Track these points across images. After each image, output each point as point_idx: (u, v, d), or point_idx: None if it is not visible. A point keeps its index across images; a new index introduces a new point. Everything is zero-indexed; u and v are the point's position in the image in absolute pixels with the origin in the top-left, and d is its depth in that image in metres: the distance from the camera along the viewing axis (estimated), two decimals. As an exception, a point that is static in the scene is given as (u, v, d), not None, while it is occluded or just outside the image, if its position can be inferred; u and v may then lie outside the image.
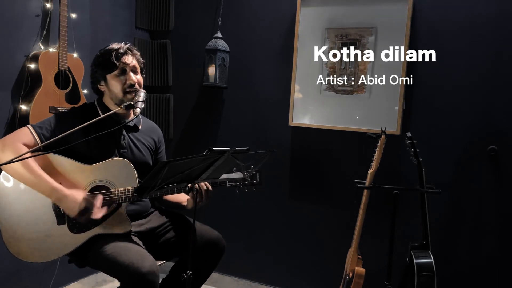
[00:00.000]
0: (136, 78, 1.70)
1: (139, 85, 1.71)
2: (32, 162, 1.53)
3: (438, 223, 2.14)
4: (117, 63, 1.67)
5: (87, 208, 1.54)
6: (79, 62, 2.21)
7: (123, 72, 1.68)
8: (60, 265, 2.31)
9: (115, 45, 1.70)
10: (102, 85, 1.72)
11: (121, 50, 1.68)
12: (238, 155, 1.44)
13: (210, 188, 1.70)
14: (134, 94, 1.67)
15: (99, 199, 1.57)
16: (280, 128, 2.52)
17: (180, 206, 1.85)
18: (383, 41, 2.23)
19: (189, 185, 1.65)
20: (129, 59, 1.70)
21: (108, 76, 1.69)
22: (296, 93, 2.45)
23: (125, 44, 1.73)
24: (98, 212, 1.56)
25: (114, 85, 1.68)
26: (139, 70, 1.74)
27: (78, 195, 1.54)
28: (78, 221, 1.57)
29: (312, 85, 2.40)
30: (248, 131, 2.64)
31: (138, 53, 1.77)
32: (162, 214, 1.88)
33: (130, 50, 1.72)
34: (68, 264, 1.74)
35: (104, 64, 1.68)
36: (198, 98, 2.80)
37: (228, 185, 1.77)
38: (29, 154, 1.41)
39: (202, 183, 1.68)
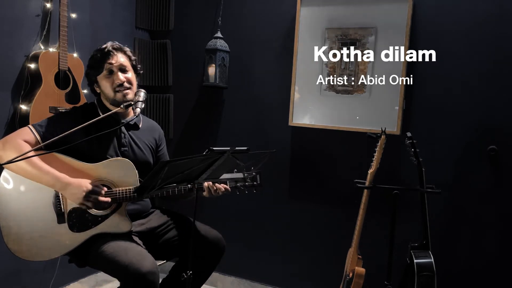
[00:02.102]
0: (125, 76, 1.70)
1: (129, 83, 1.71)
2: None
3: (438, 223, 2.14)
4: (103, 65, 1.67)
5: (93, 191, 1.55)
6: (79, 62, 2.21)
7: (110, 72, 1.69)
8: (60, 265, 2.30)
9: (102, 46, 1.71)
10: (97, 87, 1.74)
11: (105, 50, 1.69)
12: (238, 155, 1.44)
13: (226, 188, 1.73)
14: (125, 92, 1.68)
15: (103, 189, 1.59)
16: (280, 128, 2.52)
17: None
18: (383, 41, 2.23)
19: (205, 184, 1.69)
20: (114, 59, 1.69)
21: (98, 78, 1.71)
22: (296, 93, 2.45)
23: (112, 43, 1.72)
24: (104, 199, 1.57)
25: (104, 85, 1.70)
26: (129, 68, 1.73)
27: (83, 181, 1.56)
28: (86, 206, 1.56)
29: (312, 85, 2.40)
30: (248, 131, 2.64)
31: (128, 50, 1.76)
32: (162, 214, 1.88)
33: (116, 49, 1.71)
34: (68, 264, 1.74)
35: (92, 66, 1.70)
36: (198, 98, 2.80)
37: (229, 186, 1.77)
38: (31, 154, 1.41)
39: (219, 186, 1.71)
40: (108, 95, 1.70)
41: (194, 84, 2.78)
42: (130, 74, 1.73)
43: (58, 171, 1.57)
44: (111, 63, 1.68)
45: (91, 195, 1.55)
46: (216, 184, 1.71)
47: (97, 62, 1.68)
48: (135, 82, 1.74)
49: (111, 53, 1.69)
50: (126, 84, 1.69)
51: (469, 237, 2.15)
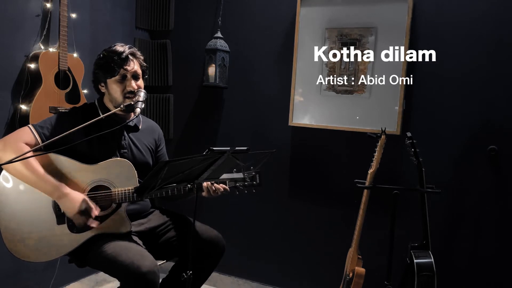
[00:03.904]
0: (137, 84, 1.69)
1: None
2: (33, 161, 1.53)
3: (438, 223, 2.14)
4: (118, 69, 1.65)
5: (86, 210, 1.55)
6: (79, 62, 2.21)
7: (124, 78, 1.67)
8: (60, 265, 2.30)
9: (118, 48, 1.69)
10: (103, 86, 1.72)
11: (123, 56, 1.66)
12: (238, 155, 1.44)
13: (225, 189, 1.73)
14: (134, 100, 1.66)
15: (97, 210, 1.58)
16: (280, 128, 2.52)
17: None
18: (383, 41, 2.22)
19: (204, 184, 1.69)
20: (131, 65, 1.68)
21: (109, 80, 1.68)
22: (296, 93, 2.45)
23: (129, 48, 1.71)
24: (93, 222, 1.58)
25: (114, 89, 1.68)
26: (140, 75, 1.73)
27: (79, 196, 1.55)
28: (75, 221, 1.57)
29: (312, 85, 2.40)
30: (248, 131, 2.64)
31: (142, 57, 1.75)
32: (162, 214, 1.88)
33: (133, 55, 1.71)
34: (68, 264, 1.74)
35: (105, 67, 1.67)
36: (198, 98, 2.80)
37: (228, 186, 1.77)
38: (30, 154, 1.41)
39: (218, 186, 1.71)
40: (116, 99, 1.68)
41: (194, 84, 2.78)
42: (140, 81, 1.72)
43: (57, 172, 1.57)
44: (126, 70, 1.67)
45: (83, 214, 1.55)
46: (215, 185, 1.71)
47: (112, 65, 1.65)
48: (143, 88, 1.74)
49: (129, 59, 1.68)
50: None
51: (469, 237, 2.15)
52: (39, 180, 1.53)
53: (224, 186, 1.73)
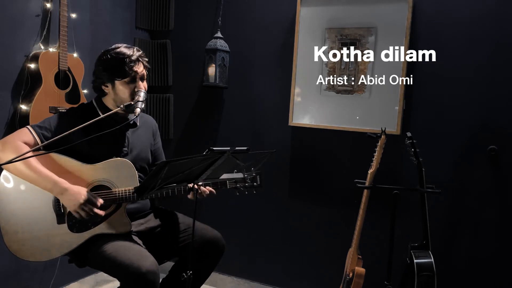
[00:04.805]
0: (144, 85, 1.72)
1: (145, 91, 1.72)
2: (33, 159, 1.53)
3: (438, 223, 2.14)
4: (130, 71, 1.66)
5: (89, 202, 1.55)
6: (79, 62, 2.21)
7: (133, 80, 1.68)
8: (60, 265, 2.31)
9: (127, 50, 1.68)
10: (107, 87, 1.71)
11: (133, 58, 1.68)
12: (238, 155, 1.44)
13: (211, 191, 1.71)
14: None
15: (100, 200, 1.58)
16: (280, 128, 2.52)
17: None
18: (383, 41, 2.23)
19: (190, 185, 1.66)
20: (140, 68, 1.70)
21: (117, 82, 1.68)
22: (296, 93, 2.45)
23: (138, 51, 1.72)
24: (99, 211, 1.58)
25: (122, 91, 1.68)
26: (146, 77, 1.75)
27: (81, 189, 1.56)
28: (80, 215, 1.56)
29: (312, 85, 2.40)
30: (248, 131, 2.64)
31: (146, 59, 1.77)
32: (161, 214, 1.88)
33: (142, 58, 1.73)
34: (68, 264, 1.74)
35: (114, 69, 1.67)
36: (198, 98, 2.80)
37: (228, 186, 1.77)
38: (30, 154, 1.42)
39: (204, 189, 1.68)
40: (123, 100, 1.68)
41: (194, 84, 2.78)
42: (145, 82, 1.74)
43: (57, 172, 1.57)
44: (136, 72, 1.68)
45: (86, 206, 1.55)
46: (202, 187, 1.69)
47: (122, 67, 1.65)
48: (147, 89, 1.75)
49: (138, 61, 1.69)
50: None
51: (469, 237, 2.15)
52: (39, 177, 1.53)
53: (210, 189, 1.72)
